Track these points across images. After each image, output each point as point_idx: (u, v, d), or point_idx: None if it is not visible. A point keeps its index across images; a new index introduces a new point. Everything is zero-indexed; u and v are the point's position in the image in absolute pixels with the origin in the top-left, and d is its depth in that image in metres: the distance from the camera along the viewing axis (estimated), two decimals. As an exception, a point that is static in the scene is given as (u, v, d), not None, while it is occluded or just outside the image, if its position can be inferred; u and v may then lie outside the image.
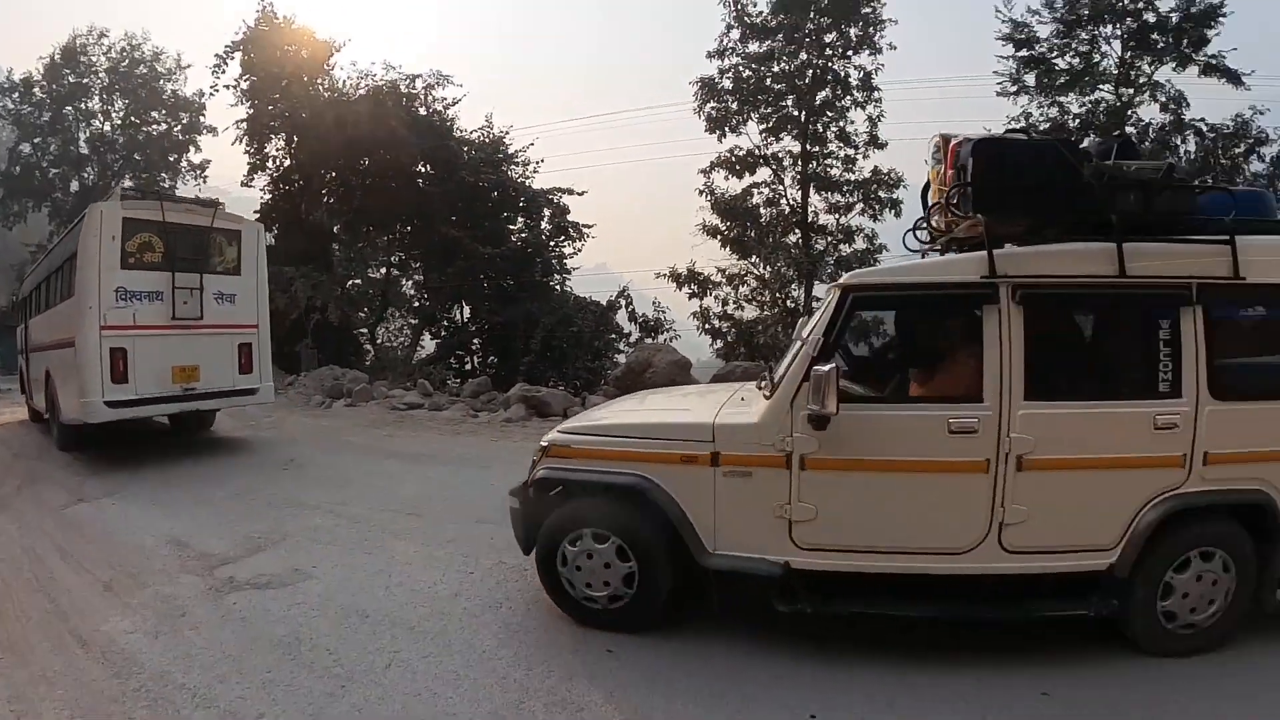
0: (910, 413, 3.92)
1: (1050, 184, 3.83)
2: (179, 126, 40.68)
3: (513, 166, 21.98)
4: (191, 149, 40.98)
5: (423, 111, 21.53)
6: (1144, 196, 3.81)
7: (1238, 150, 19.99)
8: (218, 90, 22.77)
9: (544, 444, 4.43)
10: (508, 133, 22.19)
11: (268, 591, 4.89)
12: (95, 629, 4.28)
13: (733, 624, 4.08)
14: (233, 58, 22.25)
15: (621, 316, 20.25)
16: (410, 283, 25.08)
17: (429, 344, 23.87)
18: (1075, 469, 3.71)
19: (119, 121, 40.33)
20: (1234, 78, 19.75)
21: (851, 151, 22.92)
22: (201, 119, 40.30)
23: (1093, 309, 4.18)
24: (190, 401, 9.45)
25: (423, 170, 21.29)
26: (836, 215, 22.87)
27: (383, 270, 24.30)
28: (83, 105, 39.52)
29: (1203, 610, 3.82)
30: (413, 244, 23.36)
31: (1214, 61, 19.79)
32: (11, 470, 9.03)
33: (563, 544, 4.08)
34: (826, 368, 3.59)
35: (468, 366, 22.00)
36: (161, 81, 40.72)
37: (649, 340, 18.92)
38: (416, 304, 24.77)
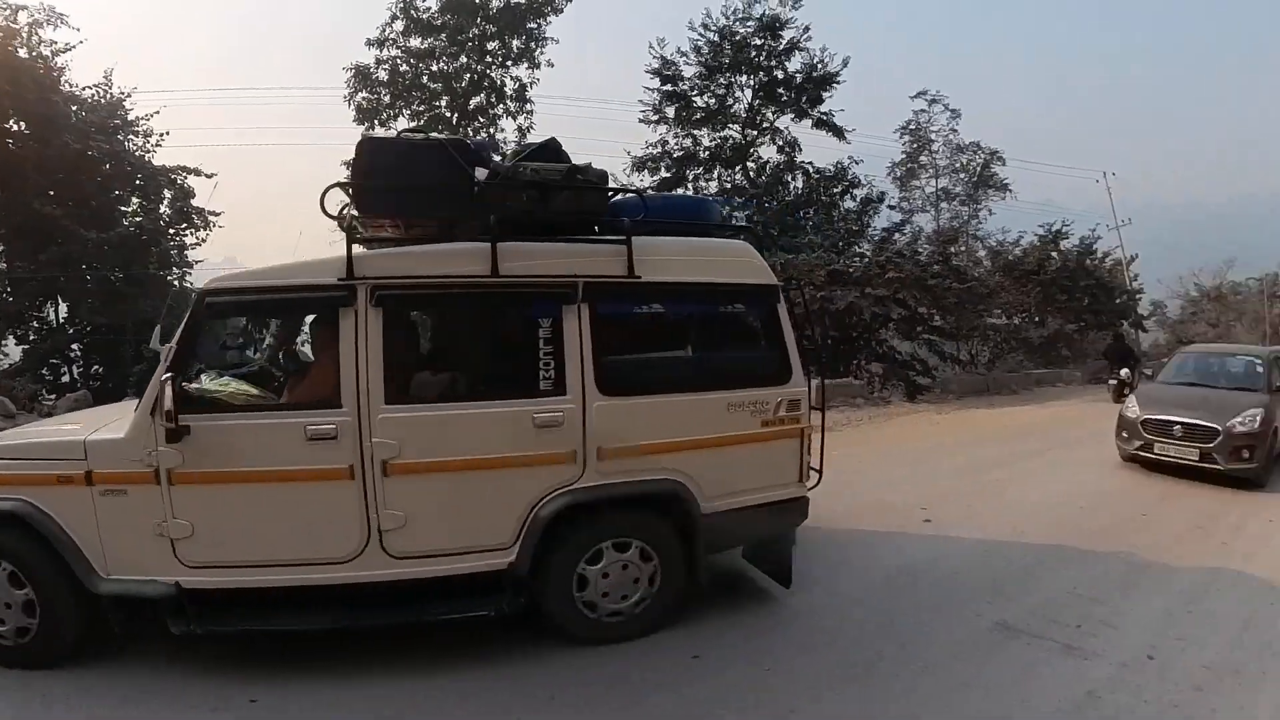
0: (267, 421, 3.68)
1: (439, 184, 3.82)
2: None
3: (131, 136, 18.58)
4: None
5: (23, 54, 17.41)
6: (541, 197, 3.84)
7: (836, 190, 23.75)
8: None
9: None
10: (129, 94, 18.67)
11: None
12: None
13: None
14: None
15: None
16: None
17: (13, 350, 18.93)
18: (451, 471, 3.70)
19: None
20: (839, 132, 23.79)
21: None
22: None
23: (464, 309, 4.18)
24: None
25: (13, 128, 17.12)
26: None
27: None
28: None
29: (630, 597, 4.06)
30: None
31: (825, 117, 23.64)
32: None
33: None
34: (164, 377, 3.37)
35: (65, 378, 18.23)
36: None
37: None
38: (-6, 300, 19.69)
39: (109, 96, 18.39)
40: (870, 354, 17.77)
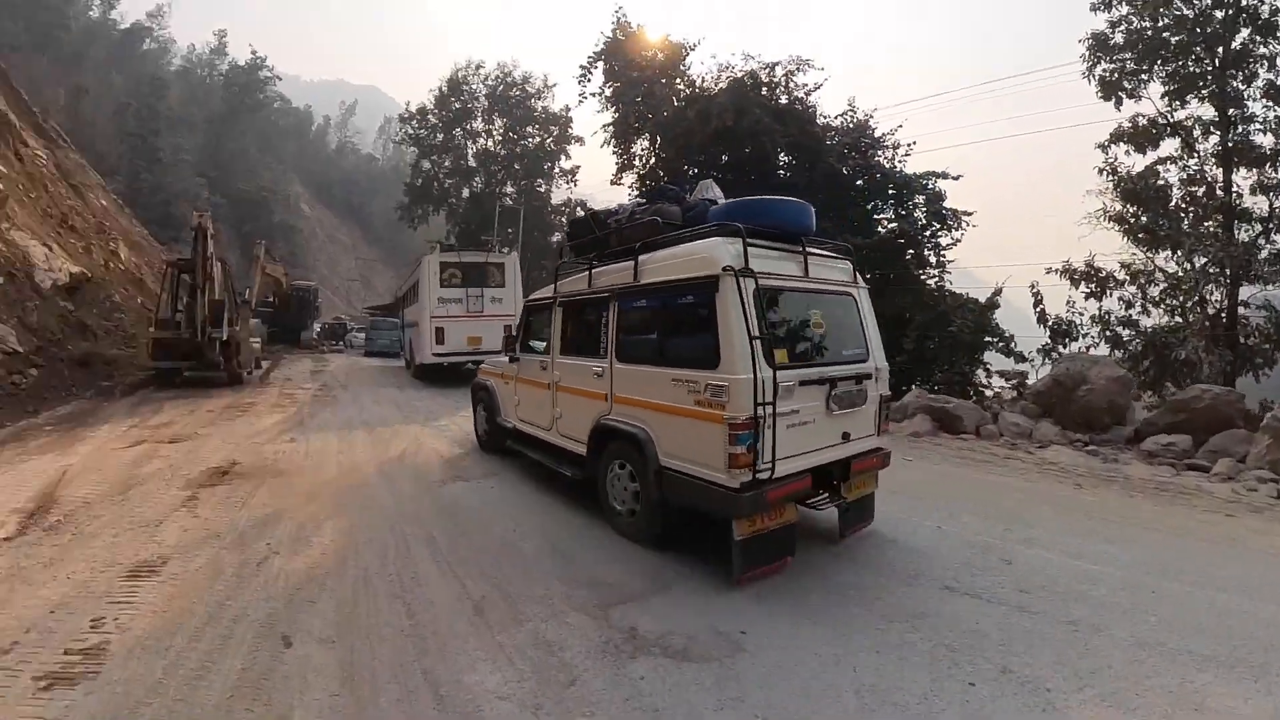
0: (528, 358, 8.12)
1: (587, 235, 6.91)
2: (550, 138, 49.20)
3: (880, 151, 20.08)
4: (562, 157, 49.27)
5: (784, 100, 20.60)
6: (618, 233, 6.39)
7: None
8: (585, 98, 24.79)
9: None
10: (872, 115, 20.64)
11: (685, 666, 3.91)
12: (456, 679, 3.74)
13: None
14: (595, 68, 24.49)
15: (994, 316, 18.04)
16: None
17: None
18: (571, 392, 6.88)
19: (499, 138, 49.76)
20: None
21: (1284, 111, 17.09)
22: (569, 130, 48.67)
23: (583, 307, 6.81)
24: (475, 356, 16.02)
25: (785, 161, 20.42)
26: (1269, 196, 17.45)
27: None
28: (468, 126, 49.67)
29: (626, 503, 5.98)
30: None
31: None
32: (401, 435, 10.85)
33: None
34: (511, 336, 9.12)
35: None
36: (533, 101, 49.73)
37: (1060, 349, 16.44)
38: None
39: (854, 120, 20.78)
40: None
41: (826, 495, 5.64)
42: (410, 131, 50.25)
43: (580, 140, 49.65)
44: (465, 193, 49.83)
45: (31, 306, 15.60)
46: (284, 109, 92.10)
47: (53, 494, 7.33)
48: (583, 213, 8.56)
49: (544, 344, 7.52)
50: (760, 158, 19.70)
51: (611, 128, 24.08)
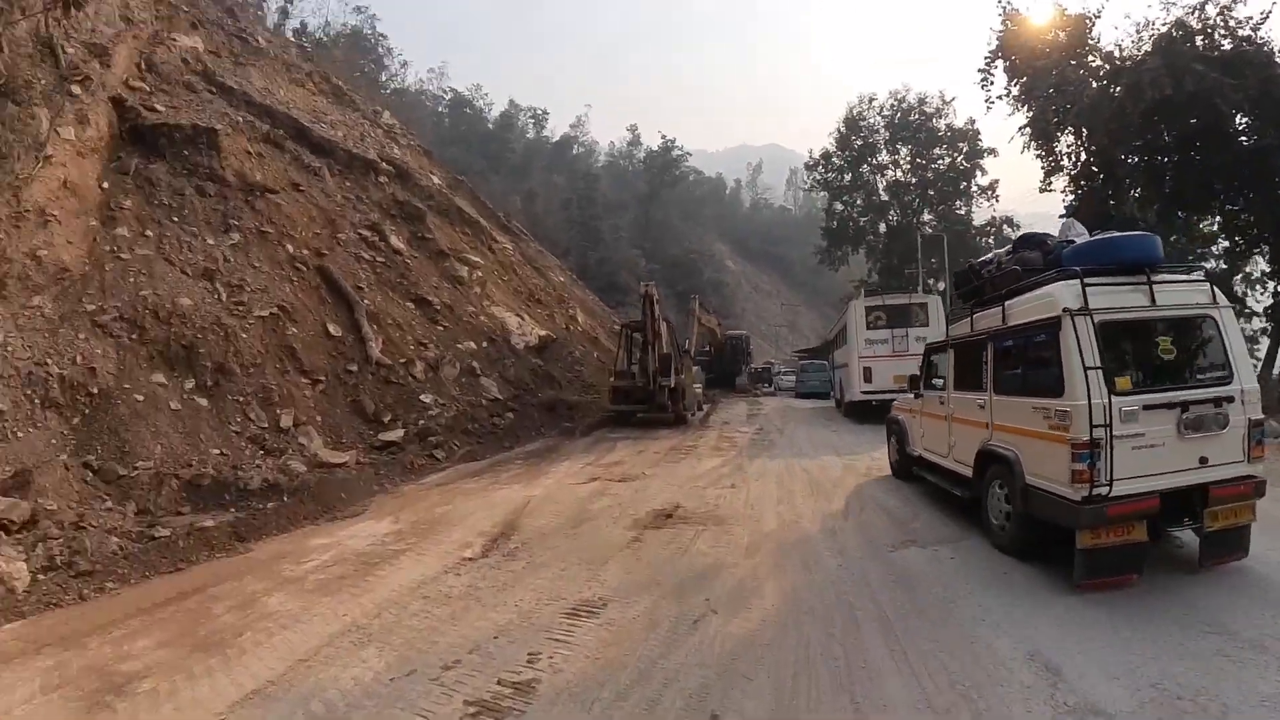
0: (929, 393, 8.95)
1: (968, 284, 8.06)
2: (959, 156, 45.79)
3: None
4: (977, 173, 45.30)
5: (1227, 44, 16.80)
6: (990, 282, 7.36)
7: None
8: (992, 104, 22.77)
9: None
10: None
11: None
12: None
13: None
14: (994, 69, 22.44)
15: None
16: (1255, 276, 19.74)
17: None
18: (960, 423, 7.75)
19: (906, 166, 47.46)
20: None
21: None
22: (979, 144, 44.80)
23: (972, 348, 7.51)
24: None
25: (1243, 123, 16.76)
26: None
27: (1219, 263, 19.50)
28: (873, 160, 47.94)
29: (999, 519, 6.63)
30: (1256, 223, 17.94)
31: None
32: (842, 486, 10.08)
33: None
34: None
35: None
36: (934, 120, 46.57)
37: None
38: (1271, 304, 18.58)
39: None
40: None
41: (1187, 520, 5.50)
42: (818, 177, 50.23)
43: (993, 152, 45.33)
44: (881, 228, 48.27)
45: (509, 363, 18.72)
46: (698, 180, 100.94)
47: (515, 521, 8.24)
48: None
49: (941, 381, 8.53)
50: (1211, 127, 16.41)
51: (1028, 130, 21.64)
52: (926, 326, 17.47)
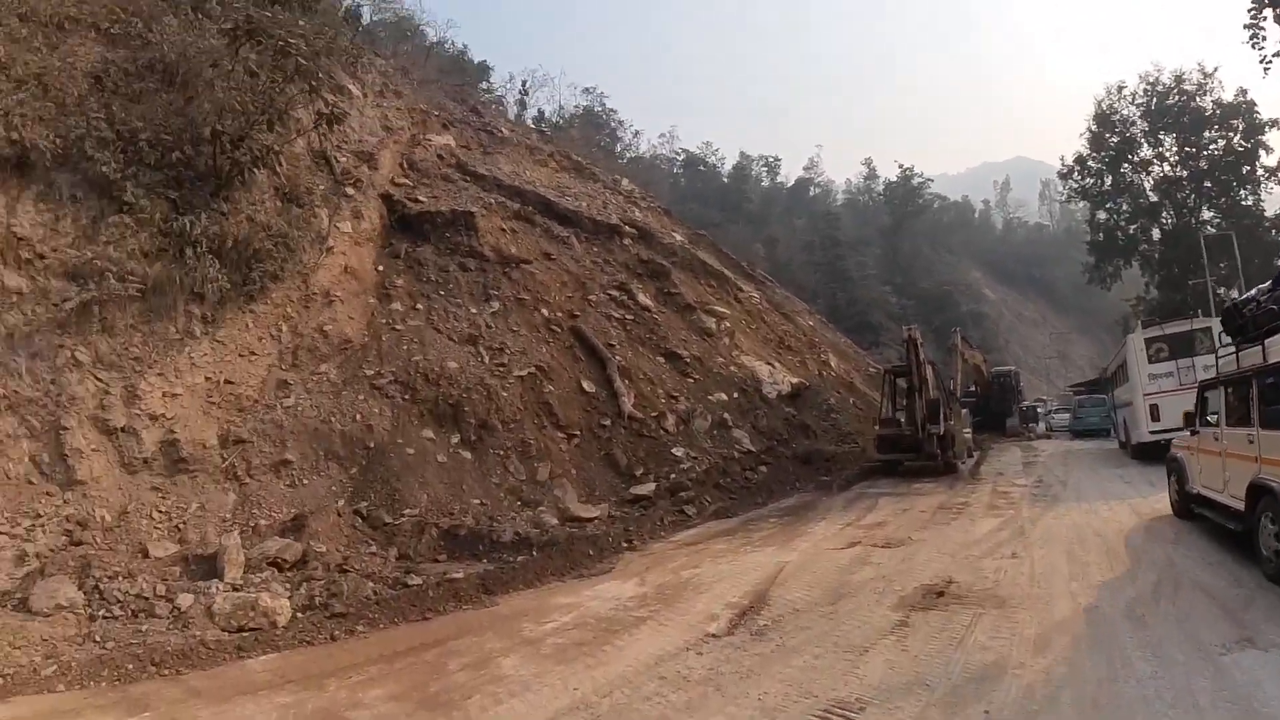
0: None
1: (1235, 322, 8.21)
2: (1236, 135, 38.60)
3: None
4: (1260, 152, 38.19)
5: None
6: (1253, 321, 7.71)
7: None
8: (1269, 64, 19.87)
9: None
10: None
11: None
12: None
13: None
14: (1263, 19, 19.96)
15: None
16: None
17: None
18: (1232, 458, 7.89)
19: (1174, 159, 40.97)
20: None
21: None
22: (1256, 116, 37.56)
23: (1240, 384, 7.91)
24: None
25: None
26: None
27: None
28: (1134, 158, 41.97)
29: (1271, 550, 6.71)
30: None
31: None
32: (1148, 556, 8.23)
33: None
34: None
35: None
36: (1197, 99, 39.58)
37: None
38: None
39: None
40: None
41: None
42: (1075, 185, 45.06)
43: (1276, 124, 37.30)
44: (1155, 234, 42.12)
45: (761, 413, 18.30)
46: (943, 206, 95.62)
47: (766, 592, 7.56)
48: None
49: (1214, 417, 8.70)
50: None
51: None
52: (1214, 353, 14.79)
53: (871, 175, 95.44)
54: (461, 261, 16.72)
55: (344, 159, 15.85)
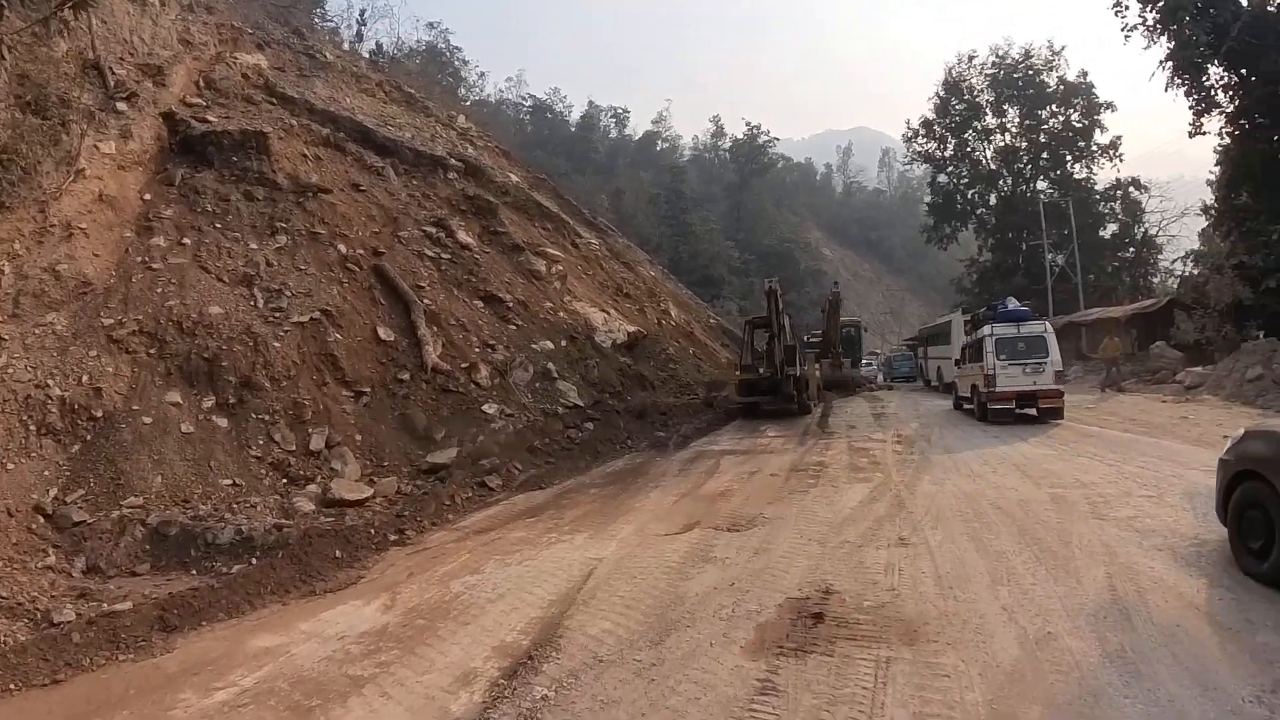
0: None
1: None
2: (1075, 113, 41.18)
3: None
4: (1096, 131, 40.84)
5: None
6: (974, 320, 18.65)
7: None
8: (1129, 35, 19.63)
9: None
10: None
11: None
12: None
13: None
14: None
15: None
16: None
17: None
18: None
19: (1015, 129, 43.03)
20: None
21: None
22: (1095, 97, 40.48)
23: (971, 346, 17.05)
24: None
25: None
26: None
27: None
28: (978, 126, 43.67)
29: None
30: None
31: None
32: (1078, 541, 6.22)
33: None
34: None
35: None
36: (1043, 75, 42.02)
37: None
38: None
39: None
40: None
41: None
42: (918, 149, 46.68)
43: (1110, 106, 40.51)
44: (992, 199, 44.33)
45: (592, 364, 16.78)
46: (787, 166, 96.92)
47: (560, 621, 5.10)
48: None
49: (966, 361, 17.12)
50: None
51: (1169, 64, 18.32)
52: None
53: (719, 133, 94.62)
54: (248, 190, 14.37)
55: (123, 71, 13.97)
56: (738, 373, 20.15)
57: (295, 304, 12.49)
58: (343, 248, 14.38)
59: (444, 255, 16.58)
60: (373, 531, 8.15)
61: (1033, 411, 14.54)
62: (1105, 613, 4.62)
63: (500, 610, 5.49)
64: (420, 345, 13.15)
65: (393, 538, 8.07)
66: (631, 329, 20.38)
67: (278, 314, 12.07)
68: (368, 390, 11.86)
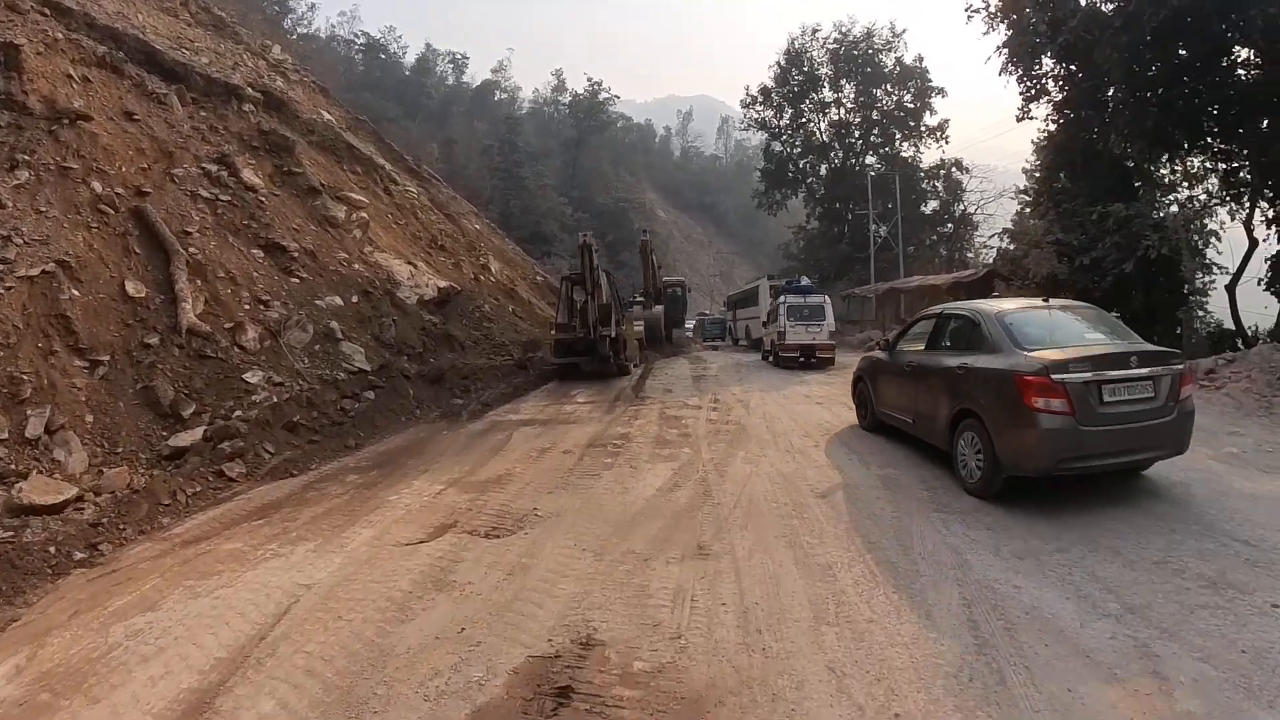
0: None
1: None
2: (908, 94, 43.44)
3: None
4: (926, 113, 43.42)
5: None
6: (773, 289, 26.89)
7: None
8: (971, 16, 19.74)
9: None
10: None
11: None
12: None
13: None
14: None
15: None
16: (1241, 216, 17.40)
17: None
18: None
19: (850, 105, 44.38)
20: None
21: None
22: (929, 81, 42.90)
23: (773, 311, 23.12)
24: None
25: (1248, 57, 14.63)
26: None
27: (1209, 199, 17.92)
28: (815, 98, 44.84)
29: None
30: (1258, 168, 15.83)
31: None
32: (921, 548, 5.12)
33: None
34: None
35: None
36: (881, 56, 43.73)
37: None
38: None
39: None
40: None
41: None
42: (755, 115, 47.25)
43: (942, 91, 43.29)
44: (822, 170, 45.79)
45: (389, 322, 14.88)
46: (627, 127, 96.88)
47: (213, 700, 3.40)
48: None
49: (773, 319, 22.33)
50: (1208, 54, 14.54)
51: (1004, 50, 18.70)
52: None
53: (560, 88, 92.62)
54: (-14, 114, 11.37)
55: None
56: (553, 332, 19.36)
57: (25, 254, 9.80)
58: (98, 186, 11.74)
59: (223, 197, 13.99)
60: (53, 550, 5.98)
61: (815, 360, 19.52)
62: (988, 677, 3.46)
63: (149, 676, 3.64)
64: (177, 302, 10.68)
65: (79, 556, 5.83)
66: (443, 284, 18.86)
67: (1, 266, 9.38)
68: (106, 359, 9.39)
